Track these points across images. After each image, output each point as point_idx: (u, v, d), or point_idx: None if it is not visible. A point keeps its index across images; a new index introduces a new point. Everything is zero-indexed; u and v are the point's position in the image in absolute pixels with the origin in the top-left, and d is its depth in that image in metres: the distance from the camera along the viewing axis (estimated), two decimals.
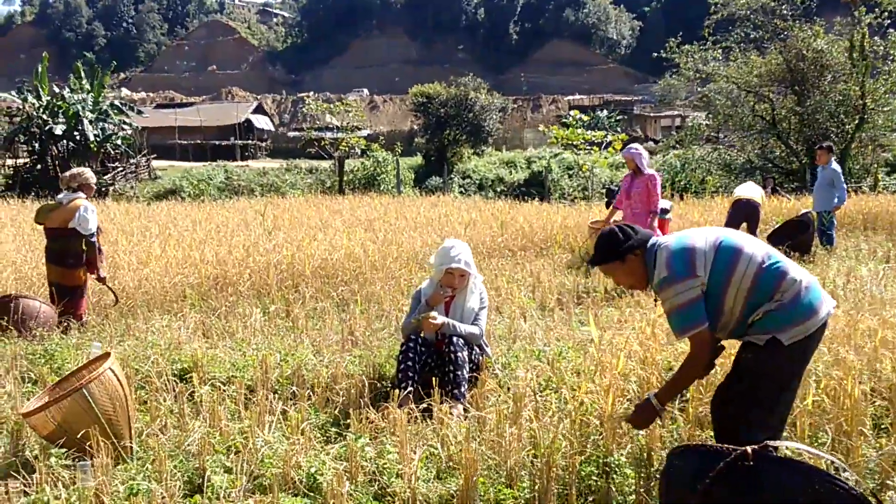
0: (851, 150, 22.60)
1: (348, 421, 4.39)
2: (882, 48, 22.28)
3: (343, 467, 3.72)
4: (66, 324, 6.80)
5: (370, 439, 4.13)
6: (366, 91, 78.15)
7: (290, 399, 4.81)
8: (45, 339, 6.23)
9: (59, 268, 7.10)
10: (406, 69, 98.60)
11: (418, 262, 9.61)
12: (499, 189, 31.26)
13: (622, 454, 3.83)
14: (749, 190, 11.97)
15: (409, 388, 4.64)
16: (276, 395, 4.86)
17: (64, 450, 3.78)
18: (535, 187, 29.30)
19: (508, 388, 4.82)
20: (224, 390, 4.82)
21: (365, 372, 5.14)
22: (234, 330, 6.80)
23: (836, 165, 11.69)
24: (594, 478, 3.73)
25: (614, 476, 3.72)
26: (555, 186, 29.55)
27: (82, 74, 31.61)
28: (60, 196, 7.16)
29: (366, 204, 18.05)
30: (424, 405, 4.45)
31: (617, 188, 12.46)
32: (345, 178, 25.79)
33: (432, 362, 5.03)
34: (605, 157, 21.69)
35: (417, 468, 3.65)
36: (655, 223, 8.87)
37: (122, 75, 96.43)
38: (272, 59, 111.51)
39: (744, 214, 11.56)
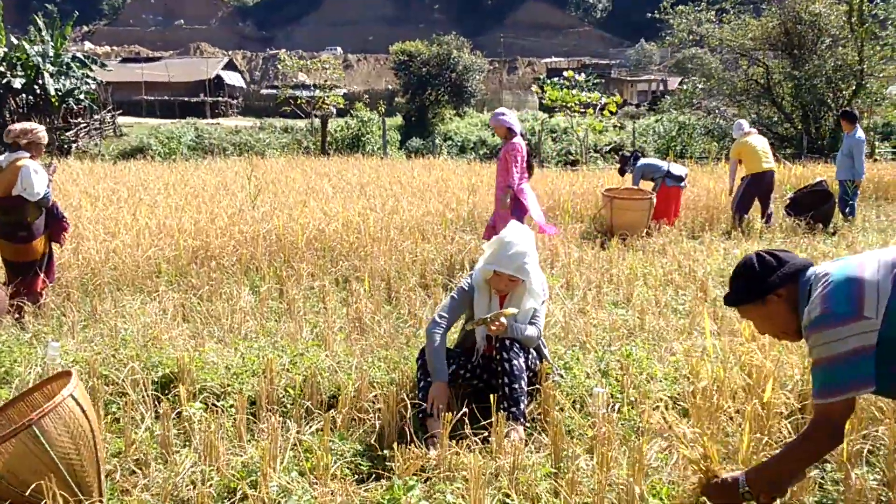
0: (840, 117, 21.88)
1: (385, 452, 3.41)
2: (883, 12, 21.50)
3: None
4: (19, 307, 5.69)
5: (421, 481, 3.15)
6: (339, 49, 76.17)
7: (305, 418, 3.79)
8: None
9: (9, 243, 5.96)
10: (380, 28, 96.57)
11: (422, 232, 8.58)
12: (481, 152, 30.13)
13: None
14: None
15: (441, 415, 3.63)
16: (287, 413, 3.86)
17: None
18: None
19: (580, 406, 3.86)
20: (219, 407, 3.80)
21: (396, 380, 4.13)
22: (220, 314, 5.76)
23: (860, 133, 10.83)
24: None
25: None
26: (537, 150, 28.57)
27: (42, 26, 29.79)
28: (2, 157, 6.00)
29: (353, 166, 16.88)
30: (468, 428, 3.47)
31: (630, 153, 11.54)
32: (327, 139, 24.54)
33: (475, 375, 4.06)
34: (601, 120, 20.75)
35: None
36: (522, 199, 7.58)
37: (85, 28, 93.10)
38: (242, 15, 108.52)
39: (766, 186, 10.66)
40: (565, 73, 20.75)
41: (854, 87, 21.34)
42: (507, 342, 3.86)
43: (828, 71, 21.51)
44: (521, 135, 7.67)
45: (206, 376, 4.14)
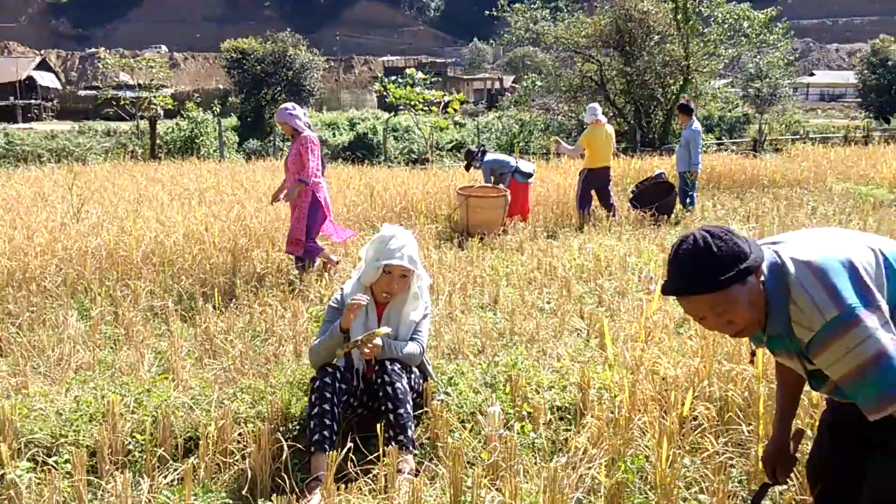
0: (676, 110, 23.01)
1: (259, 503, 2.93)
2: (707, 9, 22.72)
3: None
4: None
5: None
6: (164, 48, 72.72)
7: (158, 469, 3.23)
8: None
9: None
10: (208, 26, 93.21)
11: (272, 240, 8.01)
12: (324, 151, 29.41)
13: None
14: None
15: (327, 446, 3.21)
16: (136, 466, 3.28)
17: None
18: (361, 150, 27.79)
19: (471, 425, 3.52)
20: (52, 465, 3.17)
21: (264, 414, 3.63)
22: (45, 345, 5.01)
23: (697, 125, 11.17)
24: None
25: None
26: (381, 149, 28.21)
27: None
28: None
29: (188, 171, 15.82)
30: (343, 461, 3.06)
31: (477, 149, 11.42)
32: (157, 142, 23.06)
33: (358, 399, 3.64)
34: (445, 118, 20.68)
35: None
36: (318, 195, 7.15)
37: None
38: (56, 11, 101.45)
39: (601, 180, 10.85)
40: (407, 71, 20.53)
41: (681, 83, 22.42)
42: (388, 363, 3.46)
43: (657, 67, 22.50)
44: (309, 128, 7.24)
45: (32, 426, 3.47)
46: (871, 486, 2.18)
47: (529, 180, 10.86)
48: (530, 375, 4.04)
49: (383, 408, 3.37)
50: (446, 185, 12.27)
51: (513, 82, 52.04)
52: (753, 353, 2.44)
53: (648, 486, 2.91)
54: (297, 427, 3.64)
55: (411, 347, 3.61)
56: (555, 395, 3.94)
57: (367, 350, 3.40)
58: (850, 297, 1.95)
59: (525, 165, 10.91)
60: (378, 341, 3.42)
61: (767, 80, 33.63)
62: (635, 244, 8.77)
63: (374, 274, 3.57)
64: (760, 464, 2.55)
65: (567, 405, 3.84)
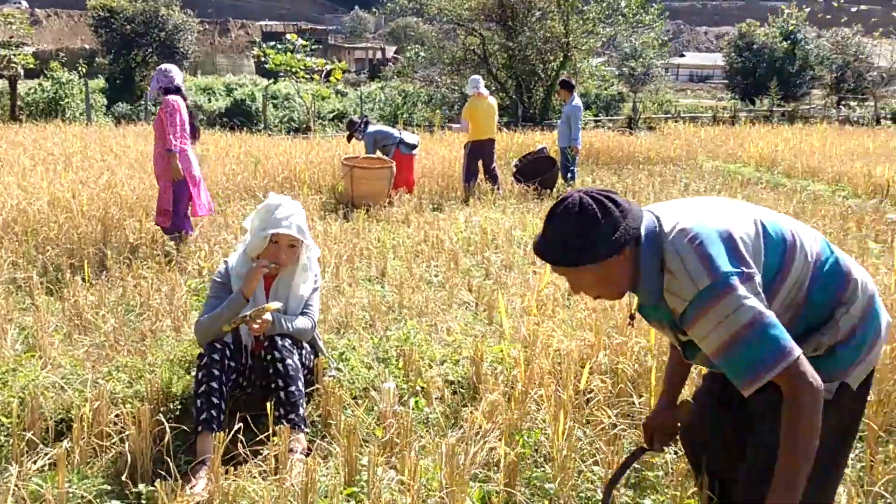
0: (556, 85, 23.37)
1: (141, 488, 2.76)
2: None
3: None
4: None
5: None
6: (24, 3, 67.85)
7: (27, 454, 2.99)
8: None
9: None
10: None
11: (146, 209, 7.60)
12: (199, 118, 28.24)
13: None
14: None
15: (214, 426, 3.07)
16: (2, 451, 3.02)
17: None
18: (239, 117, 26.87)
19: (365, 405, 3.43)
20: None
21: (143, 394, 3.41)
22: None
23: (577, 101, 11.36)
24: None
25: None
26: (260, 117, 27.37)
27: None
28: None
29: (53, 134, 14.81)
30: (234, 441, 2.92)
31: (360, 120, 11.23)
32: (18, 103, 21.47)
33: (246, 378, 3.47)
34: (327, 87, 20.21)
35: None
36: (181, 164, 6.58)
37: None
38: None
39: (486, 153, 10.94)
40: (288, 37, 19.90)
41: (561, 59, 22.79)
42: (278, 339, 3.32)
43: (538, 43, 22.77)
44: (178, 90, 6.67)
45: None
46: (750, 454, 2.22)
47: (414, 152, 10.77)
48: (423, 350, 3.99)
49: (273, 385, 3.23)
50: (330, 156, 12.03)
51: (395, 53, 51.62)
52: (632, 316, 2.33)
53: (544, 459, 2.91)
54: (180, 407, 3.45)
55: (302, 322, 3.48)
56: (447, 369, 3.91)
57: (255, 326, 3.24)
58: (724, 265, 1.91)
59: (409, 137, 10.82)
60: (268, 316, 3.27)
61: (641, 59, 34.71)
62: (520, 217, 8.86)
63: (261, 244, 3.40)
64: (641, 428, 2.57)
65: (460, 379, 3.81)
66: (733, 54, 36.89)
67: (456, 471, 2.59)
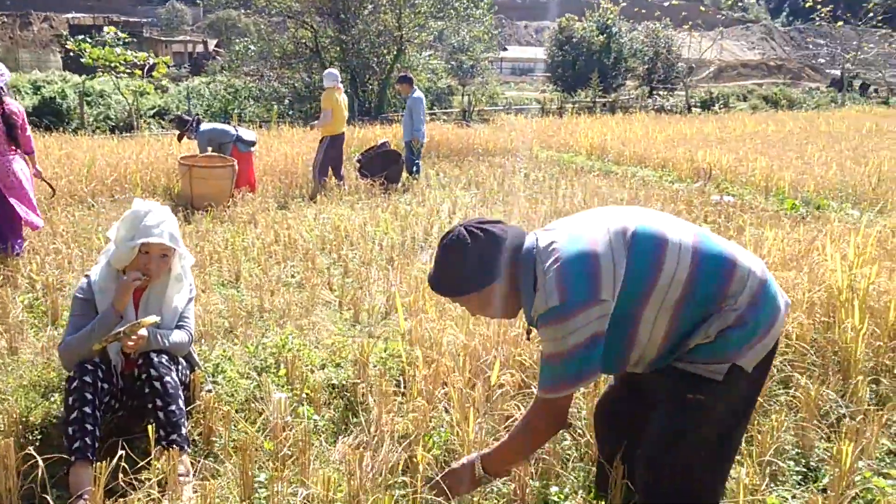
0: (392, 79, 23.33)
1: None
2: None
3: None
4: None
5: None
6: None
7: None
8: None
9: None
10: None
11: None
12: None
13: None
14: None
15: (90, 454, 2.81)
16: None
17: None
18: (49, 116, 24.94)
19: (257, 416, 3.25)
20: None
21: (6, 424, 3.05)
22: None
23: (418, 94, 11.39)
24: None
25: None
26: (74, 115, 25.54)
27: None
28: None
29: None
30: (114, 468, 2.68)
31: (191, 117, 10.74)
32: None
33: (118, 400, 3.19)
34: (150, 82, 19.09)
35: None
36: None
37: None
38: None
39: (341, 148, 10.82)
40: (105, 30, 18.65)
41: (395, 53, 22.77)
42: (153, 356, 3.08)
43: (371, 36, 22.63)
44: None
45: None
46: (644, 440, 2.31)
47: (252, 149, 10.45)
48: (303, 355, 3.84)
49: (151, 405, 2.99)
50: (163, 155, 11.41)
51: (215, 46, 49.83)
52: (529, 331, 2.50)
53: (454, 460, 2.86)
54: (39, 437, 3.13)
55: (179, 336, 3.24)
56: (329, 373, 3.78)
57: (130, 343, 2.99)
58: (574, 292, 2.06)
59: (246, 134, 10.48)
60: (143, 332, 3.02)
61: (470, 53, 35.41)
62: (370, 213, 8.78)
63: (129, 255, 3.13)
64: None
65: (344, 383, 3.69)
66: (554, 48, 38.32)
67: (364, 478, 2.50)
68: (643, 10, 44.59)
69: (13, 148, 6.17)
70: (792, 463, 3.04)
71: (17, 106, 6.26)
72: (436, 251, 2.26)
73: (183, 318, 3.31)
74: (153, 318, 3.06)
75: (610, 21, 36.73)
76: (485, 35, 29.39)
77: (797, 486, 2.91)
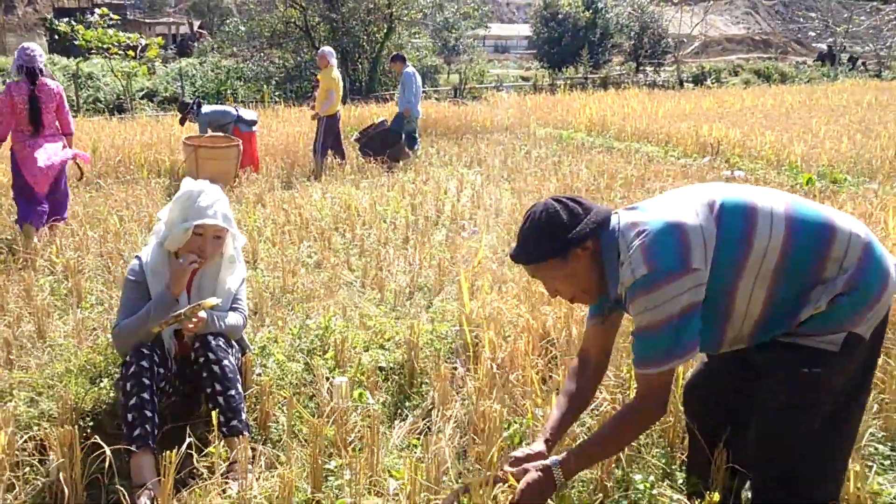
0: (382, 57, 23.12)
1: None
2: None
3: None
4: None
5: None
6: None
7: None
8: None
9: None
10: None
11: None
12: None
13: None
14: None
15: (150, 442, 2.74)
16: None
17: None
18: None
19: (315, 408, 3.17)
20: None
21: (49, 412, 2.96)
22: None
23: (409, 69, 11.33)
24: None
25: None
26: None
27: None
28: None
29: None
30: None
31: (192, 101, 10.59)
32: None
33: (171, 385, 3.10)
34: (144, 63, 18.78)
35: None
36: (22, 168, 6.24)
37: None
38: None
39: (339, 127, 10.73)
40: (97, 11, 18.29)
41: (385, 31, 22.54)
42: (210, 339, 2.99)
43: (361, 14, 22.36)
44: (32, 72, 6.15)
45: None
46: (756, 418, 2.21)
47: (254, 128, 10.34)
48: (350, 337, 3.76)
49: (210, 390, 2.91)
50: (165, 136, 11.24)
51: (199, 27, 49.21)
52: (605, 318, 2.39)
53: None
54: (91, 424, 3.04)
55: (234, 318, 3.16)
56: (376, 355, 3.70)
57: (190, 325, 2.91)
58: (663, 259, 2.01)
59: (247, 113, 10.40)
60: (203, 314, 2.94)
61: (455, 31, 35.11)
62: (377, 192, 8.68)
63: (182, 237, 3.03)
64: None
65: (393, 366, 3.62)
66: (539, 25, 38.07)
67: (439, 466, 2.43)
68: None
69: (42, 130, 6.17)
70: (882, 447, 2.93)
71: (56, 84, 6.25)
72: (522, 224, 2.21)
73: (237, 300, 3.23)
74: (214, 300, 2.97)
75: None
76: (474, 11, 29.10)
77: (889, 471, 2.83)
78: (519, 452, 2.31)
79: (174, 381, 3.09)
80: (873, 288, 2.04)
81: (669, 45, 37.31)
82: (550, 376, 2.99)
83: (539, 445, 2.32)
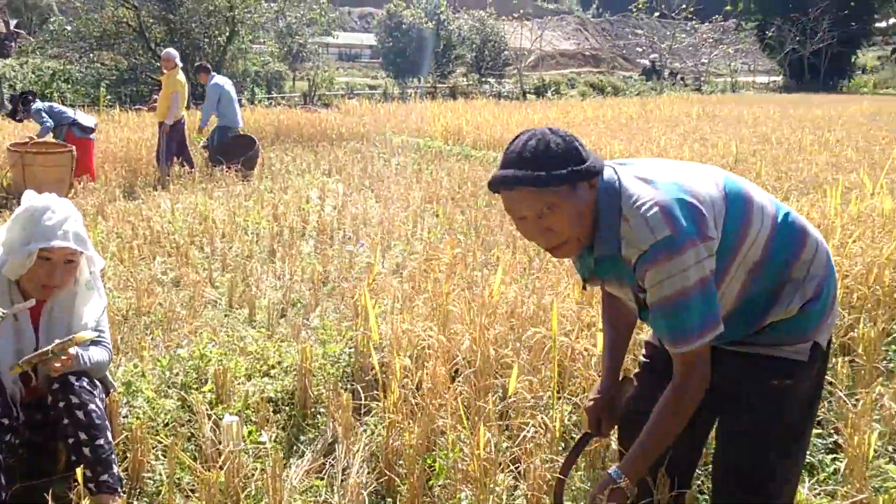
0: (226, 62, 22.18)
1: None
2: None
3: None
4: None
5: None
6: None
7: None
8: None
9: None
10: None
11: None
12: None
13: None
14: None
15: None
16: None
17: None
18: None
19: (195, 451, 2.73)
20: None
21: None
22: None
23: (216, 80, 10.81)
24: None
25: None
26: None
27: None
28: None
29: None
30: None
31: (23, 94, 9.65)
32: None
33: (19, 437, 2.56)
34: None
35: None
36: None
37: None
38: None
39: (182, 133, 10.12)
40: None
41: (228, 34, 21.62)
42: (73, 380, 2.49)
43: (201, 16, 21.31)
44: None
45: None
46: (727, 447, 2.10)
47: (91, 136, 9.51)
48: (230, 366, 3.31)
49: (72, 440, 2.42)
50: None
51: (15, 27, 45.74)
52: (585, 283, 2.16)
53: (459, 478, 2.46)
54: None
55: (99, 353, 2.65)
56: (258, 384, 3.28)
57: (57, 365, 2.40)
58: (685, 222, 1.81)
59: (85, 118, 9.57)
60: (73, 350, 2.44)
61: (298, 37, 34.38)
62: (235, 201, 8.15)
63: (26, 262, 2.51)
64: (584, 413, 2.29)
65: (280, 395, 3.22)
66: (384, 34, 38.11)
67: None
68: None
69: None
70: None
71: None
72: (514, 146, 1.84)
73: (99, 332, 2.72)
74: (89, 334, 2.48)
75: (443, 11, 36.95)
76: (321, 18, 28.57)
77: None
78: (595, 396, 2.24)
79: (23, 433, 2.55)
80: (831, 295, 2.03)
81: (510, 58, 38.30)
82: (476, 403, 2.70)
83: (606, 384, 2.24)
